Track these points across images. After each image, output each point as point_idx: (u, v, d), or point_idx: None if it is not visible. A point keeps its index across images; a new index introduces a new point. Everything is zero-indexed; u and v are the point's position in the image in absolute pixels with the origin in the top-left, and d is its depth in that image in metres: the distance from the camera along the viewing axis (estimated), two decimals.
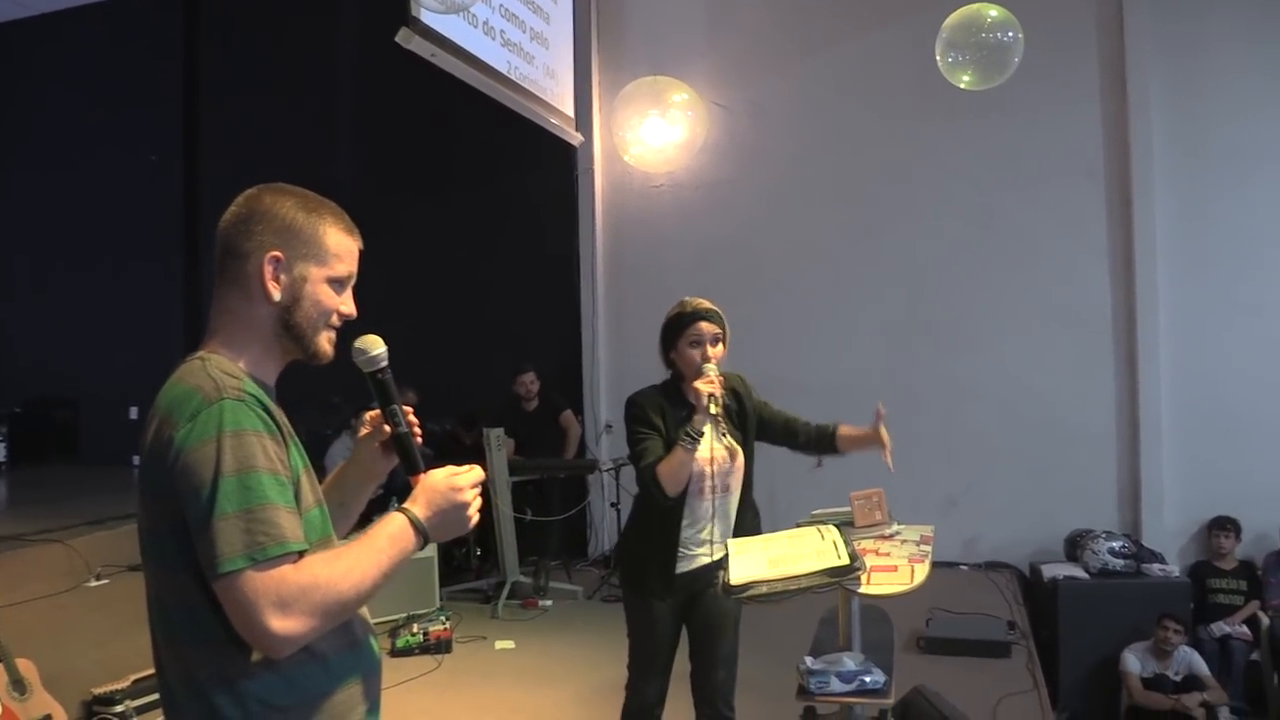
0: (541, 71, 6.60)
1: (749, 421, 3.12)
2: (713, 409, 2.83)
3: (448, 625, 5.55)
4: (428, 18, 4.88)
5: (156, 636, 1.47)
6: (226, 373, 1.41)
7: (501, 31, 5.96)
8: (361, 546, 1.41)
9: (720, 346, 2.99)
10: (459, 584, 6.75)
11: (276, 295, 1.47)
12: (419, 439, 1.63)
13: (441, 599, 6.23)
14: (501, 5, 6.02)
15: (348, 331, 1.61)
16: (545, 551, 6.80)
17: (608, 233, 7.91)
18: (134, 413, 9.22)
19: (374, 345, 1.61)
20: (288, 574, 1.31)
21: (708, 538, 3.02)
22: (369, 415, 1.68)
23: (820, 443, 3.19)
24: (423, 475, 1.56)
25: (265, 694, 1.39)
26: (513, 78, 6.10)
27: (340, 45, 8.76)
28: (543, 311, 8.02)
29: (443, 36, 5.11)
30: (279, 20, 8.91)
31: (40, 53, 9.89)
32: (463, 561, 7.16)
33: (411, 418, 1.62)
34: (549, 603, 6.41)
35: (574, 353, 7.93)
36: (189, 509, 1.33)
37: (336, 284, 1.54)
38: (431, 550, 6.24)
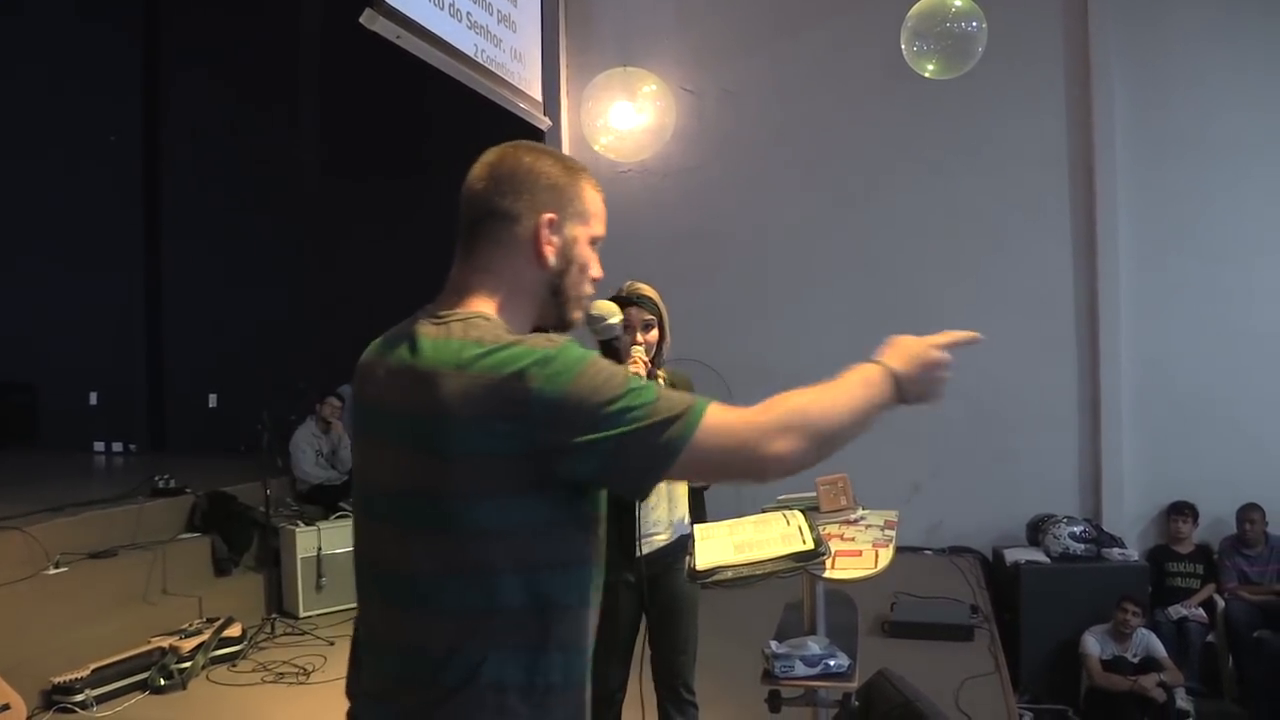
0: (509, 55, 6.55)
1: None
2: None
3: None
4: None
5: (391, 609, 1.37)
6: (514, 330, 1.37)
7: (468, 14, 5.90)
8: (830, 385, 1.40)
9: (654, 332, 3.03)
10: None
11: (552, 259, 1.43)
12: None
13: None
14: None
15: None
16: None
17: None
18: (94, 398, 9.10)
19: (613, 313, 1.62)
20: (742, 411, 1.30)
21: (658, 517, 3.06)
22: None
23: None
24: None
25: (549, 671, 1.35)
26: (480, 61, 6.04)
27: (303, 26, 8.64)
28: None
29: (408, 18, 5.04)
30: (239, 2, 8.78)
31: None
32: None
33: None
34: None
35: None
36: (600, 435, 1.26)
37: (595, 245, 1.51)
38: None
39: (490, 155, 1.48)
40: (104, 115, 9.19)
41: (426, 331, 1.36)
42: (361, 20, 4.72)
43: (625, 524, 3.01)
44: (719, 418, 1.29)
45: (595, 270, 1.52)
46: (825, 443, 1.35)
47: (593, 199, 1.50)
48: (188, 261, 9.00)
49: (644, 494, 1.35)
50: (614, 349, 1.57)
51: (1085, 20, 6.77)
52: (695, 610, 3.14)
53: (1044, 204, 6.92)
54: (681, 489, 3.12)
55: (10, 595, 4.60)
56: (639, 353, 2.95)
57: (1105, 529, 6.46)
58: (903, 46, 4.90)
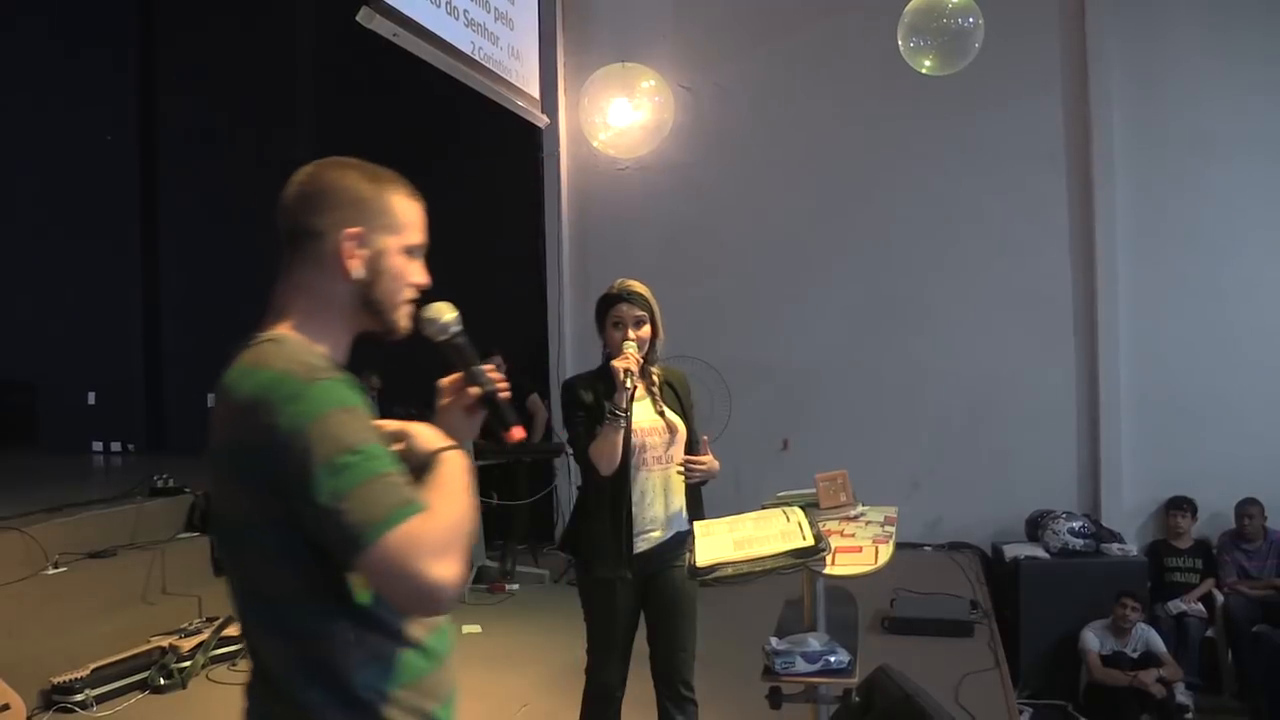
0: (506, 52, 6.54)
1: (687, 405, 3.21)
2: (628, 384, 2.90)
3: None
4: None
5: (253, 630, 1.41)
6: (308, 353, 1.37)
7: (465, 11, 5.89)
8: (442, 480, 1.39)
9: (646, 328, 3.04)
10: None
11: (358, 272, 1.44)
12: (506, 396, 1.59)
13: None
14: None
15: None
16: (511, 535, 6.79)
17: (574, 215, 7.87)
18: (92, 398, 9.09)
19: (444, 312, 1.58)
20: (427, 523, 1.27)
21: (655, 514, 3.06)
22: (444, 383, 1.61)
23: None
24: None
25: (376, 681, 1.36)
26: (477, 58, 6.03)
27: (299, 24, 8.63)
28: (509, 294, 7.98)
29: (405, 16, 5.03)
30: (234, 1, 8.78)
31: None
32: None
33: (496, 374, 1.58)
34: (516, 586, 6.41)
35: (540, 335, 7.90)
36: (310, 492, 1.25)
37: (410, 252, 1.50)
38: None
39: (300, 174, 1.49)
40: (101, 116, 9.18)
41: (239, 356, 1.39)
42: (358, 18, 4.71)
43: (621, 521, 3.01)
44: (417, 529, 1.26)
45: (416, 277, 1.52)
46: (466, 549, 1.35)
47: (405, 208, 1.50)
48: (185, 260, 8.99)
49: (349, 570, 1.29)
50: (459, 349, 1.56)
51: (1082, 16, 6.78)
52: (694, 607, 3.13)
53: (1041, 200, 6.92)
54: (679, 484, 3.11)
55: (9, 595, 4.59)
56: (631, 349, 2.98)
57: (1104, 524, 6.47)
58: (899, 42, 4.90)
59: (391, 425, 1.50)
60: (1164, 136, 6.73)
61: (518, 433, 1.59)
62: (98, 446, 9.12)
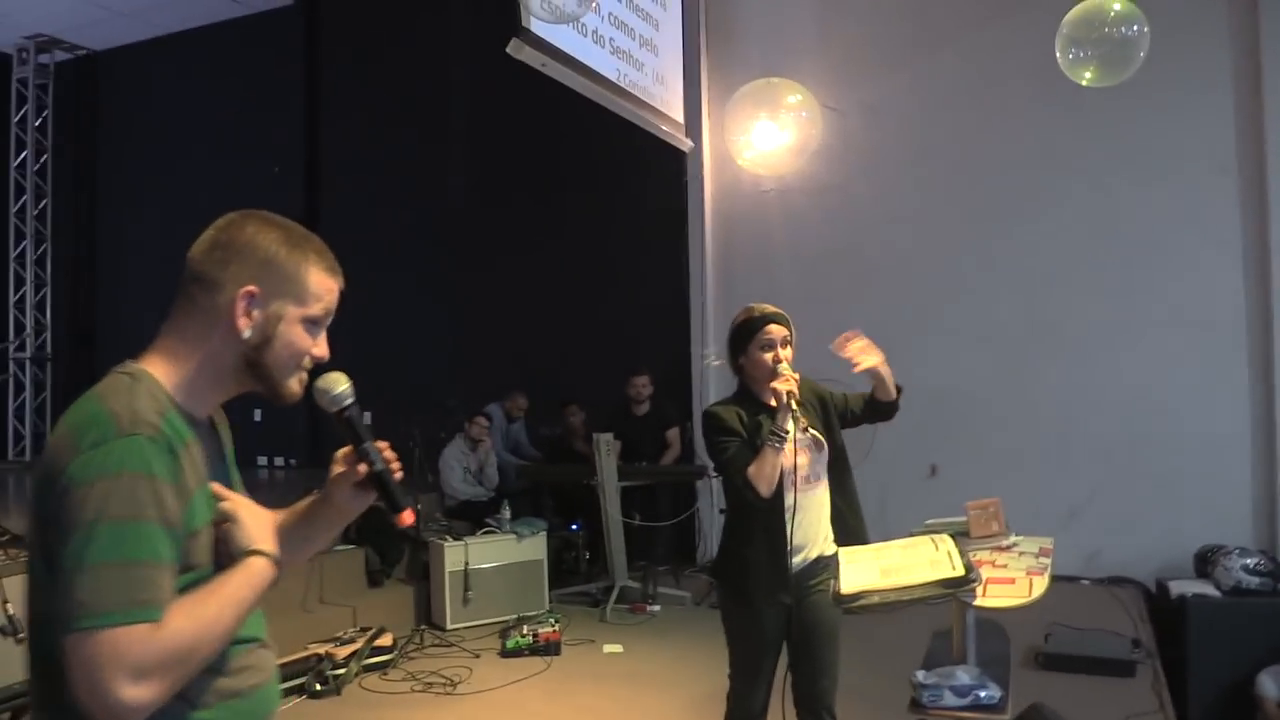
0: (651, 78, 6.63)
1: (832, 417, 3.13)
2: (793, 406, 2.86)
3: (557, 627, 5.61)
4: (538, 27, 4.95)
5: (34, 655, 1.35)
6: (150, 401, 1.32)
7: (610, 39, 6.01)
8: (216, 591, 1.31)
9: (789, 349, 3.01)
10: (568, 587, 6.82)
11: (246, 332, 1.39)
12: (398, 475, 1.53)
13: (551, 601, 6.32)
14: (611, 13, 6.07)
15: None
16: (653, 557, 6.82)
17: (717, 238, 7.89)
18: (258, 415, 9.53)
19: (337, 384, 1.51)
20: (146, 636, 1.19)
21: (806, 535, 3.00)
22: (340, 453, 1.55)
23: (871, 404, 3.15)
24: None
25: None
26: (622, 85, 6.14)
27: (452, 57, 8.97)
28: (653, 317, 8.06)
29: (553, 46, 5.17)
30: (393, 35, 9.19)
31: (164, 70, 10.45)
32: (572, 565, 7.23)
33: (389, 453, 1.52)
34: (657, 608, 6.42)
35: (683, 358, 7.94)
36: (64, 545, 1.21)
37: (312, 325, 1.46)
38: (541, 553, 6.34)
39: (221, 220, 1.45)
40: (267, 150, 9.77)
41: (98, 385, 1.36)
42: (508, 50, 4.86)
43: (778, 545, 2.96)
44: (128, 639, 1.18)
45: (318, 350, 1.48)
46: (190, 676, 1.27)
47: (317, 280, 1.46)
48: (345, 285, 9.41)
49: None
50: (349, 421, 1.52)
51: (1256, 17, 6.39)
52: (838, 633, 3.07)
53: (1210, 215, 6.55)
54: (826, 504, 3.06)
55: None
56: (787, 369, 2.95)
57: None
58: (1058, 54, 4.71)
59: (230, 504, 1.42)
60: None
61: (407, 517, 1.52)
62: (262, 461, 9.65)
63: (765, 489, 2.89)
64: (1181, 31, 6.25)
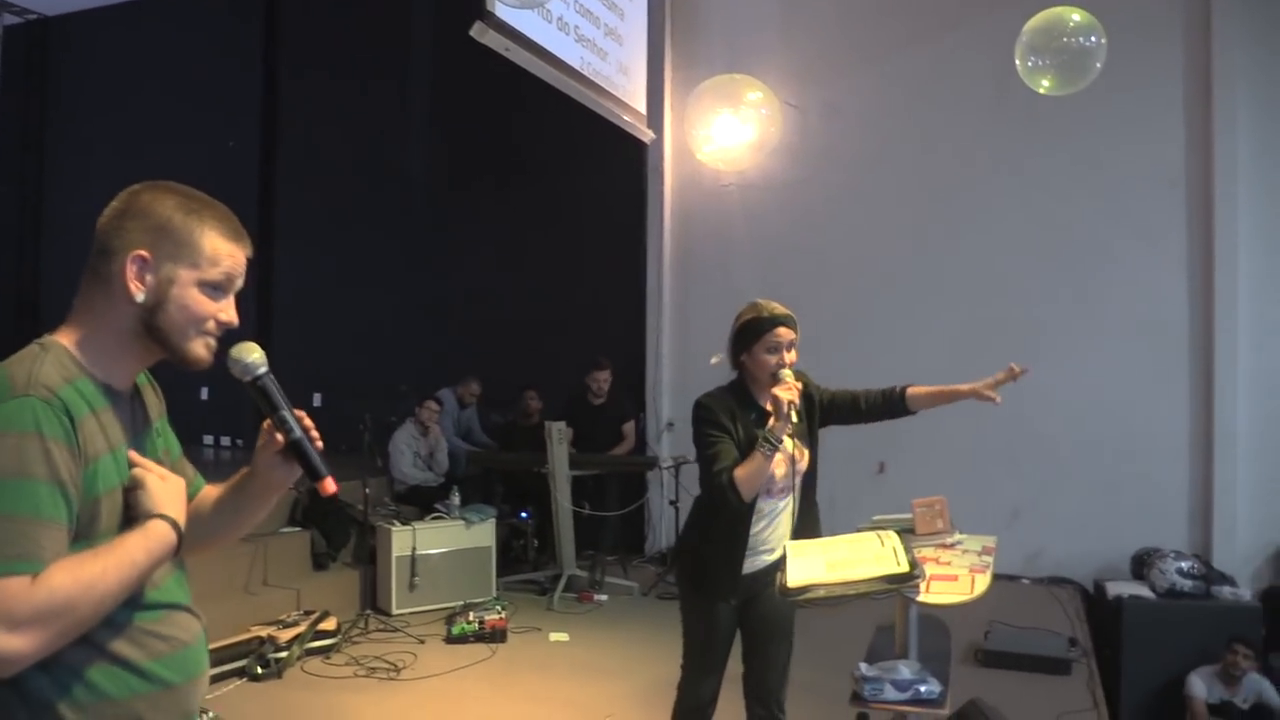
0: (614, 68, 6.62)
1: (815, 420, 3.08)
2: (794, 418, 2.79)
3: (503, 615, 5.60)
4: (503, 12, 4.93)
5: None
6: (56, 368, 1.34)
7: (576, 27, 5.99)
8: (109, 551, 1.32)
9: (794, 352, 2.95)
10: (515, 574, 6.81)
11: (139, 296, 1.41)
12: (318, 444, 1.53)
13: (498, 589, 6.30)
14: (577, 1, 6.05)
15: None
16: (602, 546, 6.83)
17: (676, 230, 7.90)
18: (204, 393, 9.39)
19: (249, 352, 1.50)
20: (26, 588, 1.22)
21: (772, 540, 3.00)
22: (265, 425, 1.55)
23: (888, 405, 3.08)
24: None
25: (47, 691, 1.31)
26: (586, 74, 6.12)
27: (414, 39, 8.87)
28: (609, 306, 8.06)
29: (517, 31, 5.14)
30: (354, 15, 9.07)
31: (116, 40, 10.20)
32: (520, 553, 7.22)
33: (307, 421, 1.53)
34: (604, 597, 6.44)
35: (638, 348, 7.95)
36: None
37: (211, 288, 1.45)
38: (490, 540, 6.31)
39: (123, 192, 1.47)
40: (223, 122, 9.57)
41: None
42: (472, 33, 4.83)
43: (739, 547, 2.96)
44: (4, 590, 1.21)
45: (224, 315, 1.48)
46: (73, 631, 1.28)
47: (215, 244, 1.45)
48: (297, 265, 9.29)
49: None
50: (263, 390, 1.53)
51: (1208, 39, 6.53)
52: (791, 628, 3.09)
53: (1159, 228, 6.68)
54: (792, 513, 3.03)
55: None
56: (789, 376, 2.87)
57: (1215, 566, 6.19)
58: (1017, 62, 4.78)
59: (140, 470, 1.43)
60: None
61: (329, 485, 1.52)
62: (209, 440, 9.49)
63: (749, 494, 2.85)
64: (1137, 47, 6.37)
